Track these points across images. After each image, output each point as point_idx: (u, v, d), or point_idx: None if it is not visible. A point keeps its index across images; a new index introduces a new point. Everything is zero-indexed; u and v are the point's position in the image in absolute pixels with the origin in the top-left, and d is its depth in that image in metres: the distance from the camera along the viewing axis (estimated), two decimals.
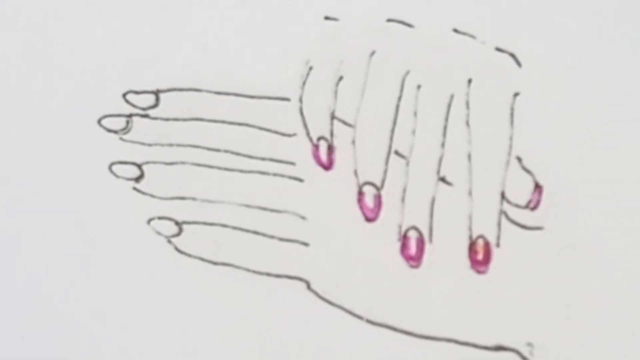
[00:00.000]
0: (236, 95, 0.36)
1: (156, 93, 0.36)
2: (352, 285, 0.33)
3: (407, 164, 0.35)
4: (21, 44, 0.37)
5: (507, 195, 0.35)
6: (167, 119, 0.35)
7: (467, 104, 0.36)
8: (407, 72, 0.36)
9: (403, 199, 0.34)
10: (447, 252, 0.34)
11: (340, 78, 0.36)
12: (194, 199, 0.34)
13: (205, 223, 0.34)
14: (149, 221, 0.34)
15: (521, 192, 0.35)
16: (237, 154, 0.35)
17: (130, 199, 0.34)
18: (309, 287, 0.33)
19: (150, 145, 0.35)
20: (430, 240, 0.34)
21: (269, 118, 0.36)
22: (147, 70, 0.36)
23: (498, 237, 0.34)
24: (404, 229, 0.34)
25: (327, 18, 0.37)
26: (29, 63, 0.36)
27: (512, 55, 0.37)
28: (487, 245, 0.34)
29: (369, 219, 0.34)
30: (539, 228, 0.34)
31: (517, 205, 0.34)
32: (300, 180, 0.35)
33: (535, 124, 0.36)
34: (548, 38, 0.37)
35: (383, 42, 0.37)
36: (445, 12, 0.37)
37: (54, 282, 0.33)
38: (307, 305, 0.33)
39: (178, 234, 0.34)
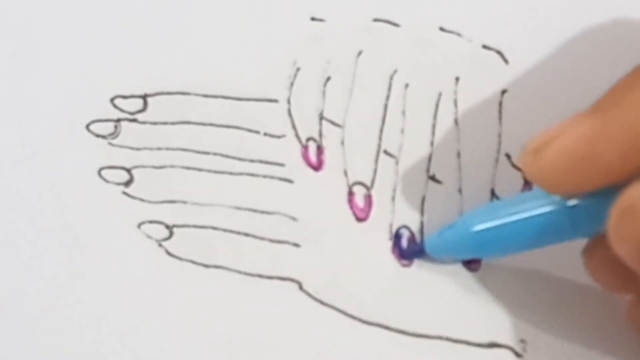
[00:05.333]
0: (224, 97, 0.36)
1: (144, 97, 0.36)
2: (344, 285, 0.33)
3: (397, 163, 0.35)
4: (8, 50, 0.36)
5: (497, 192, 0.35)
6: (155, 123, 0.35)
7: (455, 102, 0.36)
8: (395, 71, 0.36)
9: (393, 198, 0.34)
10: None
11: (328, 78, 0.36)
12: (184, 202, 0.34)
13: (195, 226, 0.34)
14: (139, 225, 0.33)
15: (511, 189, 0.35)
16: (226, 156, 0.35)
17: (120, 204, 0.34)
18: (301, 287, 0.33)
19: (139, 149, 0.35)
20: (422, 238, 0.34)
21: (257, 120, 0.36)
22: (135, 75, 0.36)
23: None
24: (395, 227, 0.34)
25: (313, 19, 0.37)
26: (16, 68, 0.36)
27: (499, 53, 0.37)
28: None
29: (359, 219, 0.34)
30: None
31: None
32: (290, 181, 0.35)
33: (523, 121, 0.36)
34: (534, 35, 0.37)
35: (370, 42, 0.37)
36: (432, 10, 0.37)
37: (44, 287, 0.32)
38: (300, 306, 0.32)
39: (169, 238, 0.33)
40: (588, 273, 0.32)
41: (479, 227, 0.32)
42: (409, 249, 0.34)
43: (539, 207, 0.31)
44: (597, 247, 0.31)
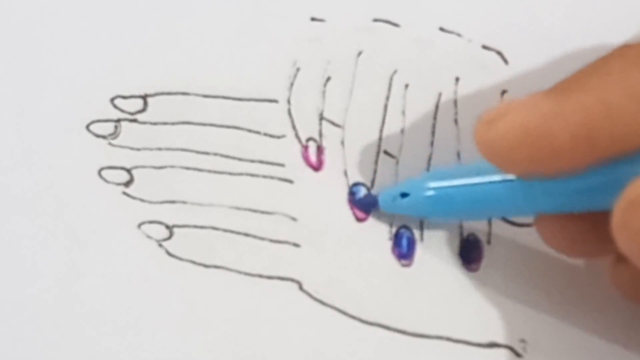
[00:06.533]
0: (224, 98, 0.36)
1: (144, 97, 0.36)
2: (344, 285, 0.33)
3: (397, 163, 0.35)
4: (8, 50, 0.36)
5: None
6: (155, 123, 0.35)
7: (455, 102, 0.36)
8: (395, 72, 0.36)
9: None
10: (438, 250, 0.34)
11: (328, 78, 0.36)
12: (184, 202, 0.34)
13: (196, 226, 0.34)
14: (139, 225, 0.33)
15: None
16: (226, 156, 0.35)
17: (120, 204, 0.34)
18: (301, 287, 0.33)
19: (139, 149, 0.35)
20: (422, 238, 0.34)
21: (257, 120, 0.36)
22: (135, 75, 0.36)
23: (489, 235, 0.34)
24: (394, 228, 0.34)
25: (313, 19, 0.37)
26: (16, 69, 0.36)
27: (499, 53, 0.37)
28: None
29: (359, 219, 0.34)
30: (529, 225, 0.34)
31: None
32: (290, 181, 0.35)
33: None
34: (534, 35, 0.37)
35: (370, 42, 0.37)
36: (432, 10, 0.37)
37: (44, 287, 0.32)
38: (300, 306, 0.32)
39: (169, 238, 0.33)
40: (541, 236, 0.32)
41: (432, 184, 0.32)
42: (363, 200, 0.34)
43: (494, 175, 0.31)
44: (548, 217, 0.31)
